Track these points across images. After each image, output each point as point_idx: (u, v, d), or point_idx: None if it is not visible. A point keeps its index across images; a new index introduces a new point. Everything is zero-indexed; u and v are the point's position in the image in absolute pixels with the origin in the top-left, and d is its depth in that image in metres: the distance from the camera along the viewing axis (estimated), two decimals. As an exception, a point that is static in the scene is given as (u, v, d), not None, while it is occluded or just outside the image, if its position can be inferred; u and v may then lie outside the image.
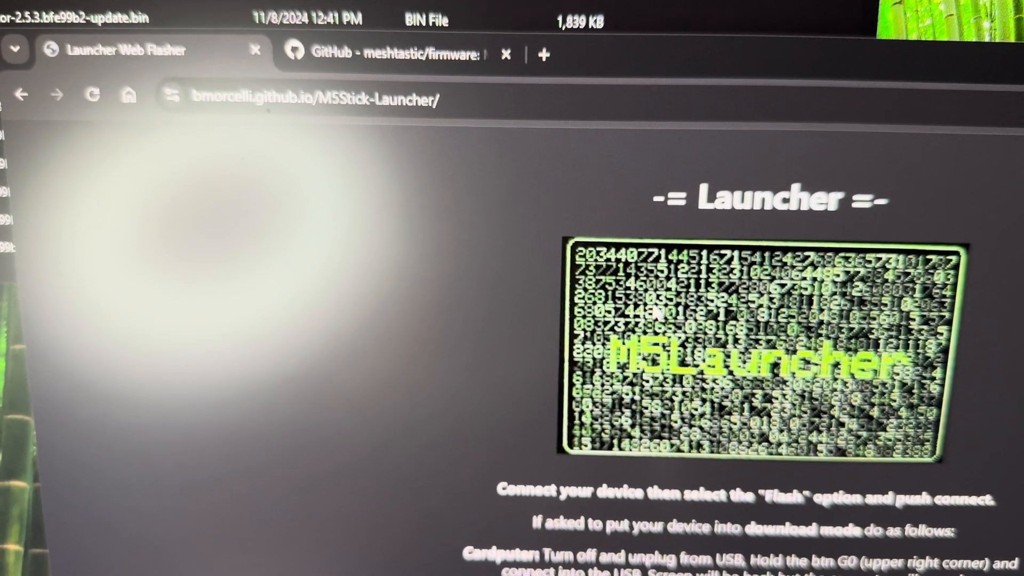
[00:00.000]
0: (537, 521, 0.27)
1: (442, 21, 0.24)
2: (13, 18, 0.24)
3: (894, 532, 0.27)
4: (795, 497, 0.27)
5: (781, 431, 0.26)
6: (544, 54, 0.24)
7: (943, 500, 0.26)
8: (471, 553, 0.27)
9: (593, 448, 0.26)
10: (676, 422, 0.26)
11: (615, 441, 0.26)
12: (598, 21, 0.24)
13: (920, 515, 0.27)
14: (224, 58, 0.24)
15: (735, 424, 0.26)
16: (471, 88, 0.24)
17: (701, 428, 0.26)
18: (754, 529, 0.27)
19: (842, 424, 0.26)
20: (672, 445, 0.26)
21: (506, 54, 0.24)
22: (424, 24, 0.24)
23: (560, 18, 0.24)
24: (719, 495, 0.27)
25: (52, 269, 0.25)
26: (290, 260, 0.25)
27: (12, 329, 0.26)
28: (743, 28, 0.24)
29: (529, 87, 0.24)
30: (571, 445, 0.26)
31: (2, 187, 0.25)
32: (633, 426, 0.26)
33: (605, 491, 0.27)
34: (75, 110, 0.24)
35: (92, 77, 0.24)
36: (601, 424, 0.26)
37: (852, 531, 0.27)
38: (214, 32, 0.24)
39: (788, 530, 0.27)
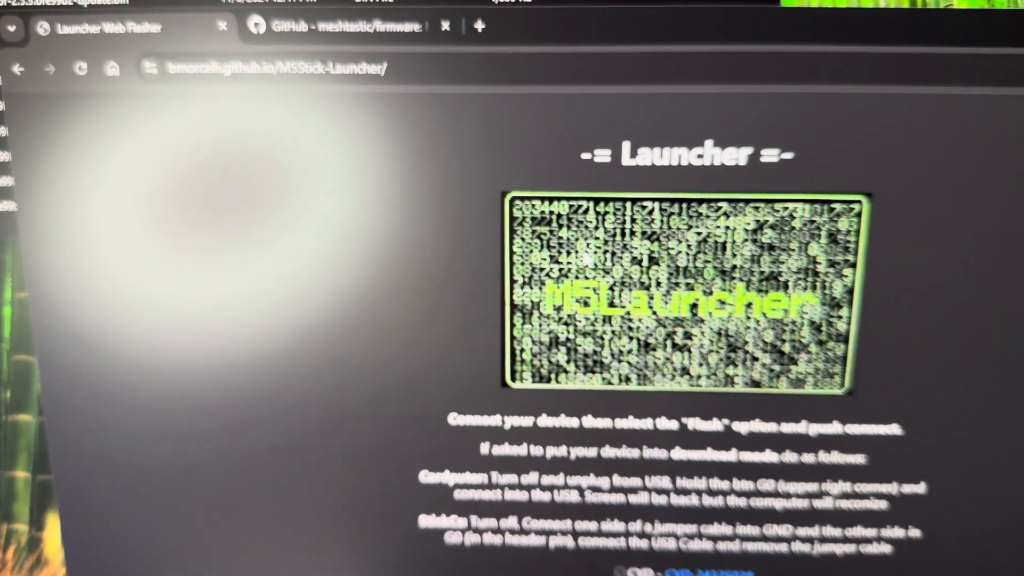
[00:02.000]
0: (484, 448, 0.30)
1: (387, -3, 0.26)
2: (10, 1, 0.27)
3: (808, 458, 0.29)
4: (715, 425, 0.29)
5: (701, 365, 0.29)
6: (480, 25, 0.26)
7: (853, 429, 0.29)
8: (426, 476, 0.30)
9: (533, 382, 0.29)
10: (606, 358, 0.29)
11: (552, 375, 0.29)
12: (527, -6, 0.26)
13: (832, 442, 0.29)
14: (195, 34, 0.27)
15: (659, 359, 0.29)
16: (416, 57, 0.27)
17: (629, 363, 0.29)
18: (678, 454, 0.29)
19: (756, 359, 0.28)
20: (603, 379, 0.29)
21: (445, 25, 0.26)
22: (372, 1, 0.26)
23: (493, -8, 0.26)
24: (646, 423, 0.29)
25: (50, 224, 0.28)
26: (254, 214, 0.28)
27: (16, 279, 0.29)
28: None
29: (467, 55, 0.27)
30: (513, 379, 0.29)
31: (4, 152, 0.28)
32: (568, 362, 0.29)
33: (544, 420, 0.29)
34: (66, 83, 0.27)
35: (80, 53, 0.27)
36: (539, 360, 0.29)
37: (769, 457, 0.29)
38: (186, 10, 0.27)
39: (710, 455, 0.29)
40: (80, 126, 0.28)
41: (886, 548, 0.30)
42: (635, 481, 0.30)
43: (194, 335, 0.29)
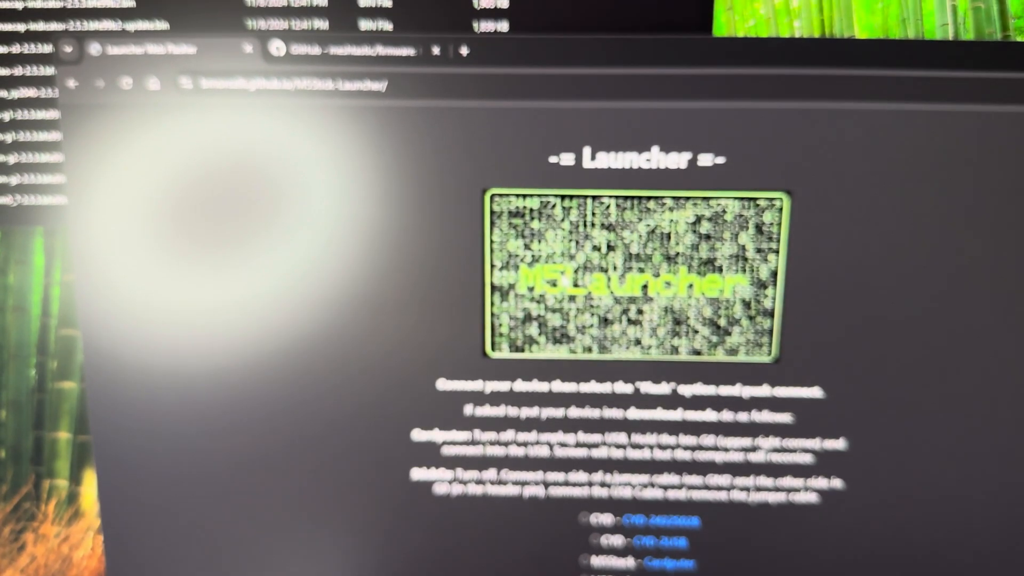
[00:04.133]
0: (468, 409, 0.34)
1: (388, 26, 0.32)
2: (67, 27, 0.32)
3: (742, 417, 0.34)
4: (664, 388, 0.34)
5: (651, 337, 0.34)
6: (464, 50, 0.32)
7: (780, 392, 0.34)
8: (418, 435, 0.35)
9: (510, 352, 0.34)
10: (572, 331, 0.34)
11: (526, 346, 0.34)
12: (503, 26, 0.31)
13: (762, 404, 0.34)
14: (225, 55, 0.32)
15: (616, 332, 0.34)
16: (411, 76, 0.32)
17: (591, 335, 0.34)
18: (633, 414, 0.34)
19: (697, 331, 0.33)
20: (569, 349, 0.34)
21: (436, 50, 0.32)
22: (374, 29, 0.32)
23: (475, 24, 0.31)
24: (606, 387, 0.34)
25: (95, 217, 0.33)
26: (272, 207, 0.33)
27: (64, 263, 0.34)
28: (616, 29, 0.31)
29: (454, 75, 0.32)
30: (493, 350, 0.34)
31: (58, 154, 0.33)
32: (539, 335, 0.34)
33: (520, 385, 0.34)
34: (113, 95, 0.32)
35: (126, 70, 0.32)
36: (515, 333, 0.34)
37: (709, 416, 0.34)
38: (217, 35, 0.32)
39: (659, 414, 0.34)
40: (124, 132, 0.32)
41: (813, 497, 0.35)
42: (596, 438, 0.34)
43: (215, 313, 0.33)
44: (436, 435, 0.35)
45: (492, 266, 0.33)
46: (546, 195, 0.32)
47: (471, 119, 0.32)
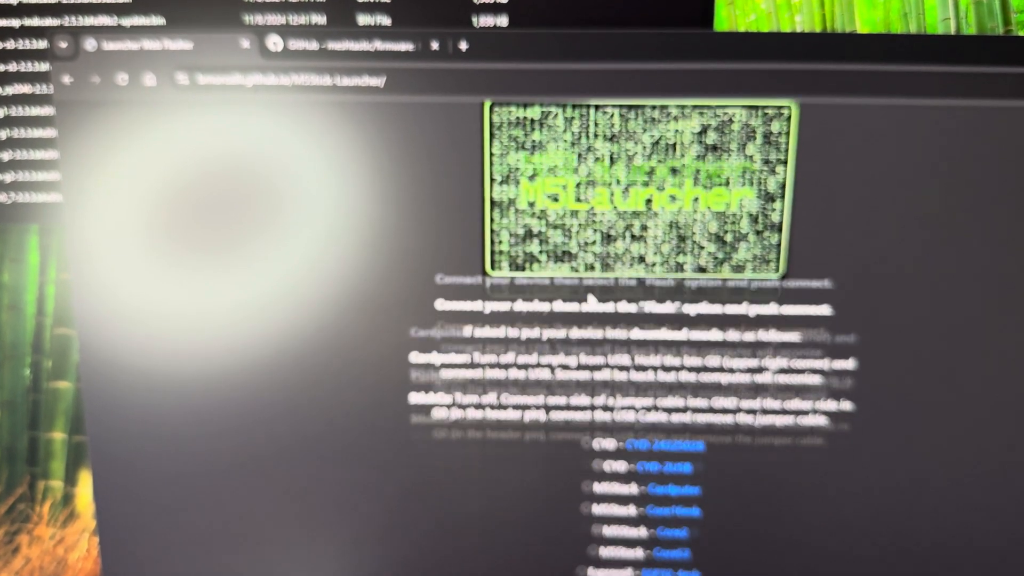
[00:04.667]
0: (468, 331, 0.33)
1: (386, 21, 0.31)
2: (63, 22, 0.32)
3: (748, 336, 0.33)
4: (668, 307, 0.33)
5: (655, 254, 0.32)
6: (463, 45, 0.31)
7: (788, 310, 0.32)
8: (416, 357, 0.34)
9: (510, 270, 0.33)
10: (574, 248, 0.32)
11: (527, 264, 0.33)
12: (503, 21, 0.31)
13: (769, 322, 0.32)
14: (222, 50, 0.31)
15: (619, 249, 0.32)
16: (410, 72, 0.32)
17: (593, 252, 0.32)
18: (636, 334, 0.33)
19: (702, 247, 0.32)
20: (571, 267, 0.32)
21: (435, 45, 0.31)
22: (372, 24, 0.31)
23: (474, 18, 0.31)
24: (608, 307, 0.33)
25: (91, 215, 0.33)
26: (267, 199, 0.32)
27: (59, 262, 0.34)
28: (617, 24, 0.31)
29: (453, 70, 0.32)
30: (493, 268, 0.33)
31: (53, 151, 0.33)
32: (540, 252, 0.32)
33: (520, 306, 0.33)
34: (109, 91, 0.32)
35: (122, 66, 0.32)
36: (515, 251, 0.32)
37: (714, 335, 0.33)
38: (214, 31, 0.31)
39: (663, 334, 0.33)
40: (120, 129, 0.32)
41: (821, 420, 0.33)
42: (599, 359, 0.33)
43: (211, 310, 0.33)
44: (434, 358, 0.33)
45: (492, 180, 0.32)
46: (548, 106, 0.31)
47: (469, 115, 0.32)
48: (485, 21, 0.31)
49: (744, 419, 0.33)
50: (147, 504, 0.35)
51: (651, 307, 0.33)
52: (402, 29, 0.31)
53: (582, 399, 0.34)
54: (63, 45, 0.32)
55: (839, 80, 0.31)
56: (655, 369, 0.33)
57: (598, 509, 0.34)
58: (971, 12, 0.31)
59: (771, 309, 0.32)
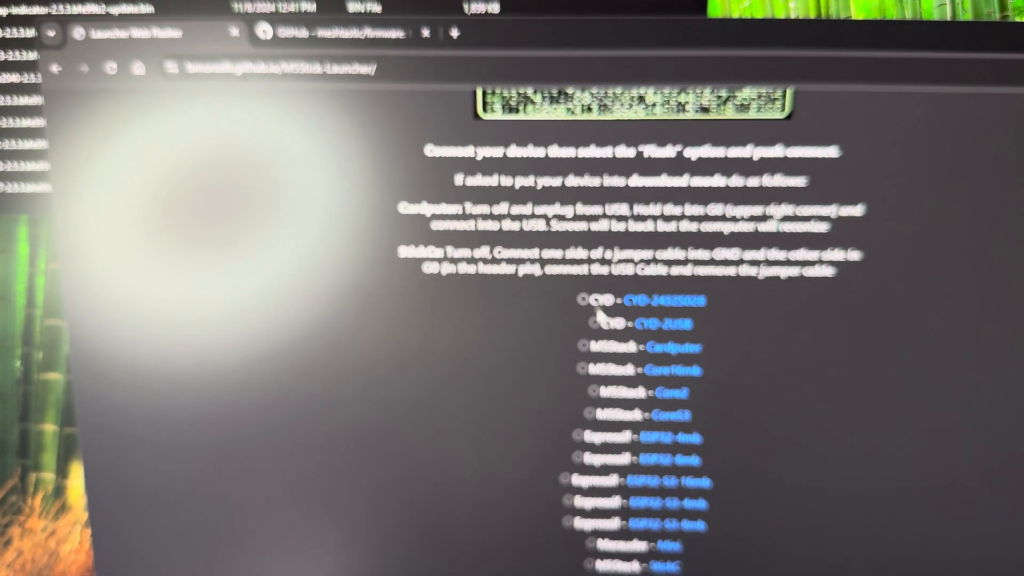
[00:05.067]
0: (459, 179, 0.32)
1: (376, 8, 0.31)
2: (50, 10, 0.31)
3: (753, 182, 0.31)
4: (668, 151, 0.31)
5: (655, 93, 0.31)
6: (455, 32, 0.31)
7: (793, 152, 0.31)
8: (405, 208, 0.32)
9: (503, 113, 0.31)
10: (570, 88, 0.31)
11: (520, 106, 0.31)
12: (495, 7, 0.31)
13: (774, 166, 0.31)
14: (211, 38, 0.31)
15: (618, 88, 0.31)
16: (400, 59, 0.31)
17: (590, 93, 0.31)
18: (635, 181, 0.31)
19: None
20: (567, 108, 0.31)
21: (425, 32, 0.31)
22: (363, 11, 0.31)
23: (465, 5, 0.31)
24: (606, 151, 0.31)
25: (80, 204, 0.33)
26: (257, 188, 0.32)
27: (48, 252, 0.33)
28: (610, 10, 0.31)
29: (444, 58, 0.31)
30: (484, 110, 0.31)
31: (42, 141, 0.32)
32: (535, 92, 0.31)
33: (514, 151, 0.31)
34: (98, 80, 0.32)
35: (110, 54, 0.31)
36: (508, 91, 0.31)
37: (717, 181, 0.31)
38: (203, 18, 0.31)
39: (664, 181, 0.31)
40: (109, 118, 0.32)
41: (828, 271, 0.32)
42: (596, 209, 0.32)
43: (201, 301, 0.33)
44: (424, 208, 0.32)
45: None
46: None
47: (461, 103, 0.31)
48: (476, 8, 0.31)
49: (747, 271, 0.32)
50: (139, 496, 0.35)
51: (651, 151, 0.31)
52: (393, 16, 0.31)
53: (579, 252, 0.32)
54: (51, 34, 0.31)
55: (834, 67, 0.31)
56: (655, 219, 0.31)
57: (595, 369, 0.33)
58: (967, -2, 0.31)
59: (776, 152, 0.31)
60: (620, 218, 0.32)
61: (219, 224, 0.32)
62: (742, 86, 0.31)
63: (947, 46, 0.30)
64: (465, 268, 0.32)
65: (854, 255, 0.31)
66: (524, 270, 0.32)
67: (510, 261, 0.32)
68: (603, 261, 0.32)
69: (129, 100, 0.32)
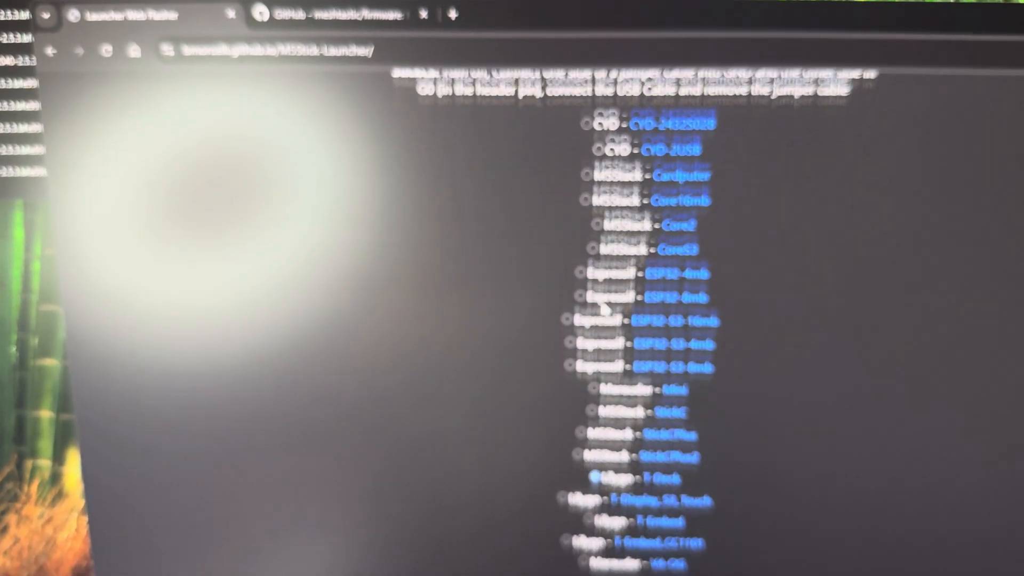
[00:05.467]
0: None
1: (374, -11, 0.31)
2: (45, -8, 0.31)
3: None
4: None
5: None
6: (453, 13, 0.31)
7: None
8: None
9: None
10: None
11: None
12: (493, -13, 0.31)
13: None
14: (207, 20, 0.31)
15: None
16: (398, 41, 0.31)
17: None
18: None
19: None
20: None
21: (423, 14, 0.31)
22: (360, -8, 0.31)
23: (464, -15, 0.31)
24: None
25: (76, 189, 0.32)
26: (255, 173, 0.32)
27: (44, 237, 0.33)
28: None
29: (442, 39, 0.31)
30: None
31: (37, 124, 0.32)
32: None
33: None
34: (93, 63, 0.31)
35: (106, 37, 0.31)
36: None
37: None
38: (199, 1, 0.31)
39: None
40: (105, 102, 0.32)
41: (843, 90, 0.30)
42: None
43: (199, 286, 0.33)
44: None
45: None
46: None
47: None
48: (475, -12, 0.30)
49: (760, 90, 0.30)
50: (136, 482, 0.35)
51: None
52: (390, -3, 0.30)
53: (583, 72, 0.30)
54: (45, 16, 0.31)
55: (830, 49, 0.30)
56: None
57: (599, 200, 0.31)
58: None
59: None
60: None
61: (214, 208, 0.32)
62: (745, 68, 0.30)
63: (948, 28, 0.30)
64: (462, 90, 0.30)
65: (870, 74, 0.30)
66: (524, 91, 0.30)
67: (509, 82, 0.30)
68: (608, 81, 0.30)
69: (125, 83, 0.31)
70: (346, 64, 0.31)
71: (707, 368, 0.33)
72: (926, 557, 0.34)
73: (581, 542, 0.34)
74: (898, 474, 0.33)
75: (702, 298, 0.32)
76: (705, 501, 0.34)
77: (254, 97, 0.31)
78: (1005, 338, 0.32)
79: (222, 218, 0.32)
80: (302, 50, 0.31)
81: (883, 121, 0.30)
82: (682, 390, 0.33)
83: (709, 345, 0.33)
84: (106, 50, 0.31)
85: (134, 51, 0.31)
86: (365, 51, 0.31)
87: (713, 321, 0.32)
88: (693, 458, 0.33)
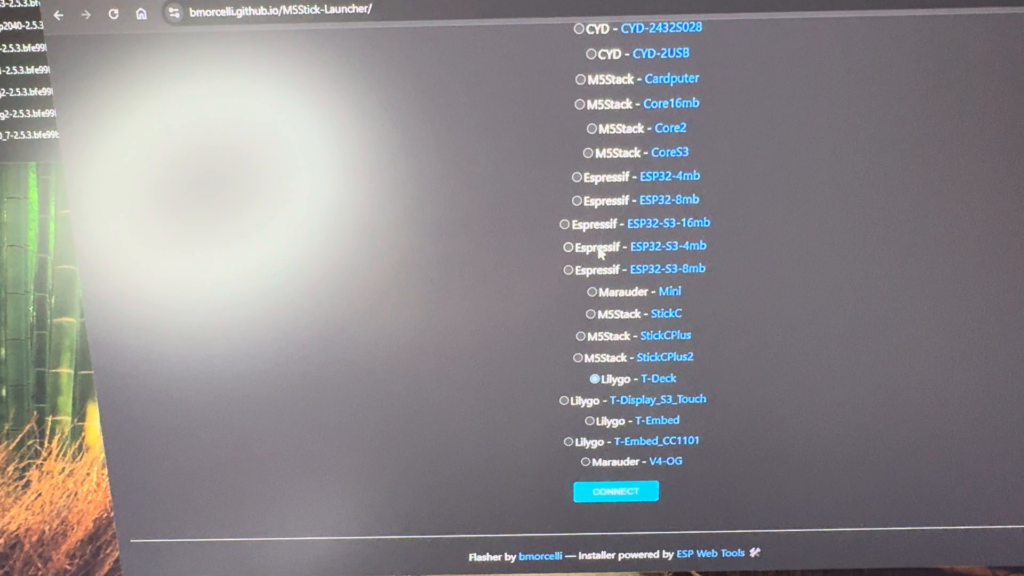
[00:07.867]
0: None
1: (372, -52, 0.32)
2: (51, -43, 0.32)
3: None
4: None
5: None
6: (448, -31, 0.32)
7: None
8: None
9: None
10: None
11: None
12: (487, -57, 0.32)
13: None
14: (211, -18, 0.32)
15: None
16: (396, -2, 0.32)
17: None
18: None
19: None
20: None
21: (420, -30, 0.32)
22: (359, -49, 0.32)
23: (459, -58, 0.32)
24: None
25: (88, 150, 0.33)
26: (259, 130, 0.33)
27: (59, 198, 0.34)
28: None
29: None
30: None
31: (47, 88, 0.33)
32: None
33: None
34: (100, 26, 0.32)
35: (113, 0, 0.32)
36: None
37: None
38: (203, -37, 0.32)
39: None
40: (113, 64, 0.33)
41: None
42: None
43: (213, 240, 0.34)
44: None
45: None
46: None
47: (453, 39, 0.32)
48: (470, -56, 0.32)
49: None
50: (155, 434, 0.36)
51: None
52: (388, -45, 0.32)
53: None
54: (53, -20, 0.32)
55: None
56: None
57: (592, 104, 0.32)
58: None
59: None
60: None
61: (223, 167, 0.33)
62: (738, 14, 0.32)
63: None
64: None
65: None
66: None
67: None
68: None
69: (132, 45, 0.32)
70: (346, 22, 0.32)
71: (700, 268, 0.34)
72: (913, 451, 0.36)
73: (583, 443, 0.36)
74: (887, 370, 0.35)
75: (694, 199, 0.34)
76: (700, 399, 0.35)
77: (260, 58, 0.32)
78: (1001, 246, 0.33)
79: (231, 176, 0.33)
80: (304, 9, 0.32)
81: (873, 47, 0.31)
82: (676, 291, 0.35)
83: (702, 246, 0.34)
84: (113, 13, 0.32)
85: (141, 13, 0.32)
86: (365, 8, 0.32)
87: (705, 222, 0.34)
88: (688, 357, 0.35)
